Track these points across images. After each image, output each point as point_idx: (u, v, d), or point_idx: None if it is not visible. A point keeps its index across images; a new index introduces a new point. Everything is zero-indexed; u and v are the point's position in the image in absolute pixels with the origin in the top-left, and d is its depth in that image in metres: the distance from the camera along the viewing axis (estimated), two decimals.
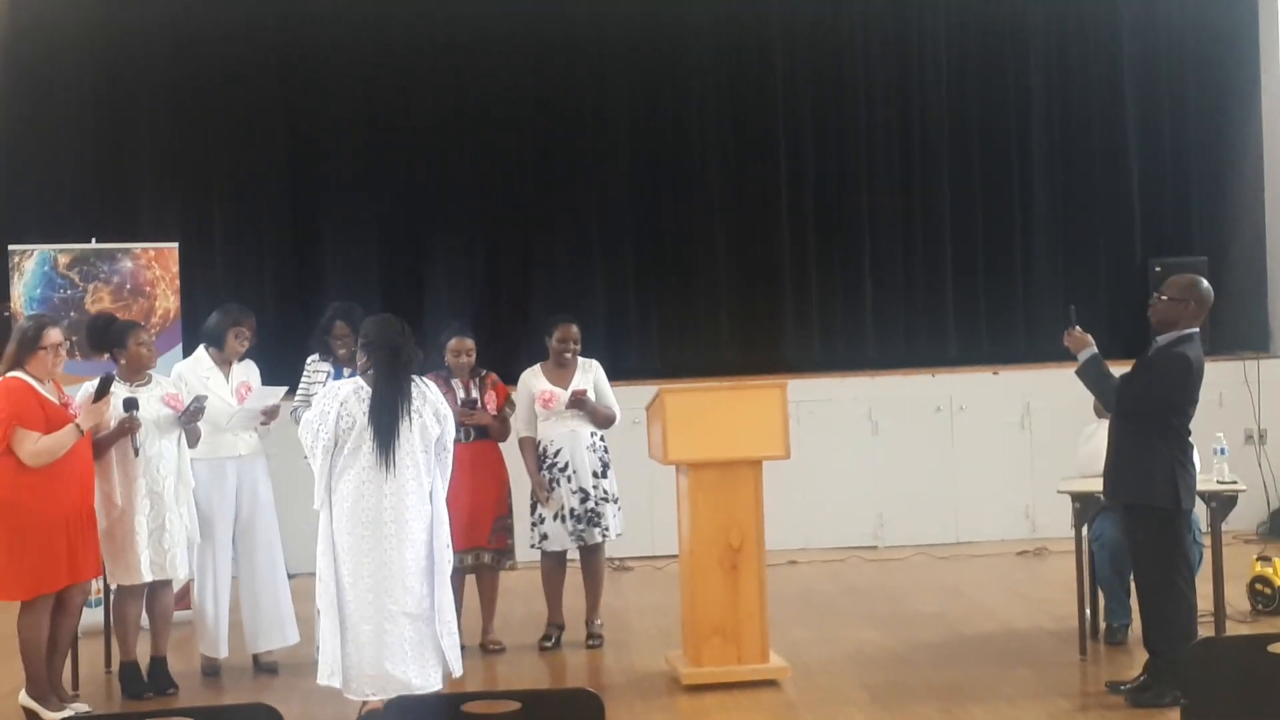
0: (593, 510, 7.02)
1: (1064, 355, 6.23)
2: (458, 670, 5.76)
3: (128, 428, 6.28)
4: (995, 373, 9.92)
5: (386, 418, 5.58)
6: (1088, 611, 6.73)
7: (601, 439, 7.15)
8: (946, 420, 9.76)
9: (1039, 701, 5.92)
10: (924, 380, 9.85)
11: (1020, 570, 8.81)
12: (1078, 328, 6.05)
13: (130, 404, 6.30)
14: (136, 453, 6.32)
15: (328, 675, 5.62)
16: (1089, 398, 6.37)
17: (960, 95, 10.31)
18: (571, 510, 7.03)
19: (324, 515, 5.66)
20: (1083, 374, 6.02)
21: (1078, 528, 6.61)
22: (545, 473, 7.07)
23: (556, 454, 7.07)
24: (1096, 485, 6.26)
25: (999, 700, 5.94)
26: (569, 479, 7.03)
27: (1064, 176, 10.38)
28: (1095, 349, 6.01)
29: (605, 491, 7.06)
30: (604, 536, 7.06)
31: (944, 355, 10.16)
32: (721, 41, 10.19)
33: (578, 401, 7.03)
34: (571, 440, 7.06)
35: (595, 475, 7.06)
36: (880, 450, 9.67)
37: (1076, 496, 6.57)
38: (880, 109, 10.27)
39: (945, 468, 9.67)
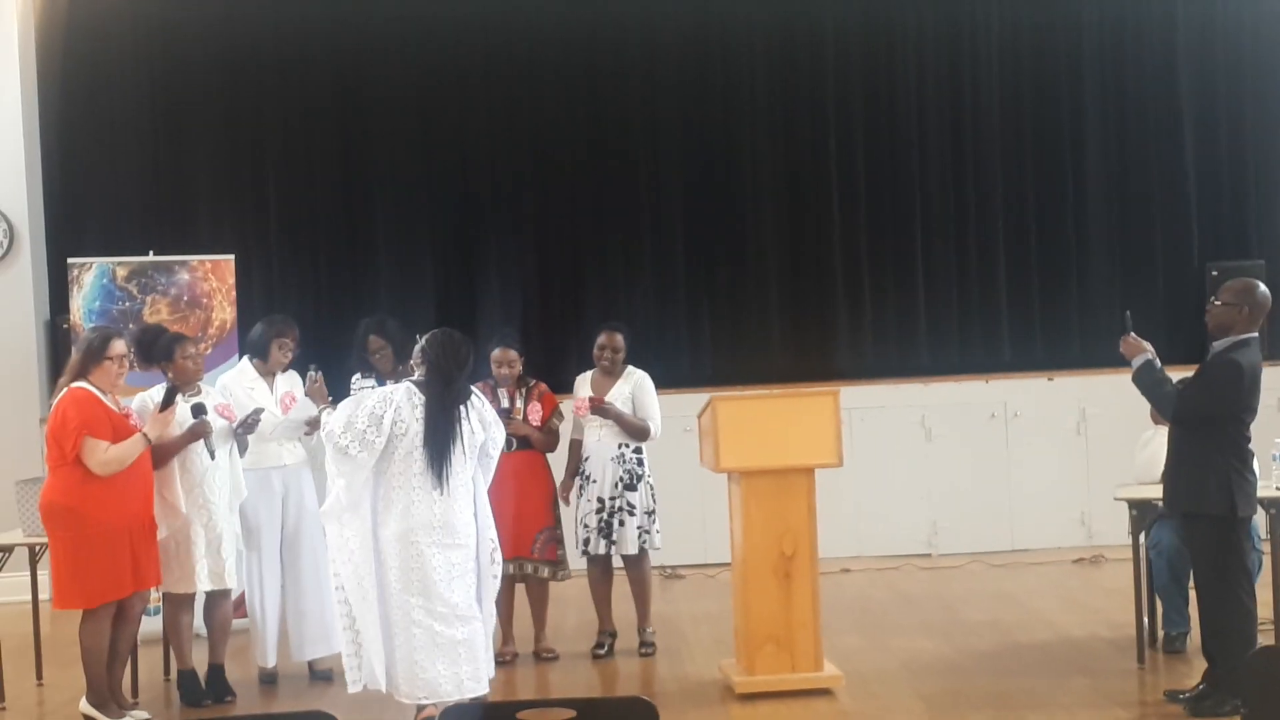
0: (606, 522, 7.02)
1: (1120, 361, 6.16)
2: (492, 672, 5.82)
3: (200, 432, 6.35)
4: (1050, 379, 9.84)
5: (439, 443, 5.61)
6: (1145, 620, 6.67)
7: (635, 451, 7.10)
8: (1001, 427, 9.69)
9: (1096, 710, 5.86)
10: (978, 386, 9.79)
11: (1076, 578, 8.73)
12: (1133, 334, 6.00)
13: (199, 409, 6.38)
14: (213, 455, 6.40)
15: (354, 681, 5.69)
16: (1146, 404, 6.31)
17: (1014, 97, 10.24)
18: (585, 520, 7.05)
19: (368, 521, 5.65)
20: (1137, 380, 5.96)
21: (1135, 535, 6.55)
22: (577, 478, 7.11)
23: (586, 461, 7.11)
24: (1154, 492, 6.21)
25: (1056, 709, 5.89)
26: (589, 488, 7.06)
27: (1119, 180, 10.28)
28: (1150, 355, 5.94)
29: (629, 504, 7.01)
30: (609, 550, 7.03)
31: (998, 361, 10.08)
32: (773, 48, 10.18)
33: (598, 409, 7.02)
34: (597, 449, 7.07)
35: (618, 486, 7.02)
36: (934, 457, 9.62)
37: (1134, 504, 6.51)
38: (933, 113, 10.22)
39: (1000, 475, 9.61)
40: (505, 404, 6.99)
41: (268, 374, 6.94)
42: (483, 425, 5.77)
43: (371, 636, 5.64)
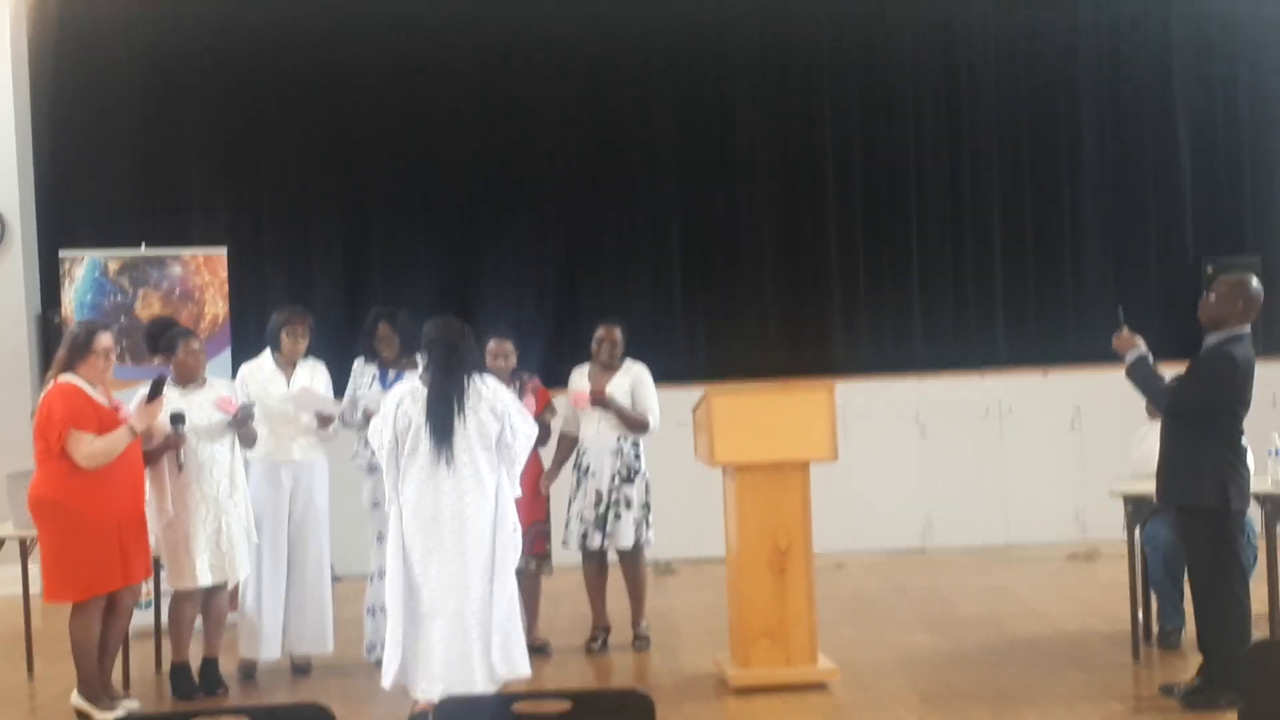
0: (603, 515, 6.99)
1: (1116, 356, 6.15)
2: (524, 670, 5.75)
3: (171, 444, 6.33)
4: (1045, 374, 9.83)
5: (441, 415, 5.62)
6: (1140, 614, 6.65)
7: (634, 444, 7.10)
8: (995, 422, 9.68)
9: (1092, 705, 5.85)
10: (972, 382, 9.79)
11: (1070, 573, 8.72)
12: (1126, 328, 5.99)
13: (177, 419, 6.32)
14: (181, 468, 6.36)
15: (393, 676, 5.67)
16: (1141, 399, 6.30)
17: (1010, 93, 10.23)
18: (581, 513, 7.02)
19: (393, 514, 5.73)
20: (1131, 375, 5.95)
21: (1130, 530, 6.54)
22: (574, 470, 7.08)
23: (583, 454, 7.08)
24: (1149, 487, 6.18)
25: (1051, 703, 5.87)
26: (587, 481, 7.03)
27: (1116, 175, 10.27)
28: (1143, 350, 5.94)
29: (626, 498, 7.00)
30: (604, 543, 7.01)
31: (993, 356, 10.08)
32: (769, 43, 10.15)
33: (599, 401, 7.00)
34: (596, 442, 7.05)
35: (615, 480, 7.01)
36: (928, 452, 9.62)
37: (1129, 499, 6.50)
38: (929, 108, 10.21)
39: (994, 470, 9.61)
40: None
41: (286, 364, 6.92)
42: (495, 416, 5.69)
43: (392, 628, 5.68)
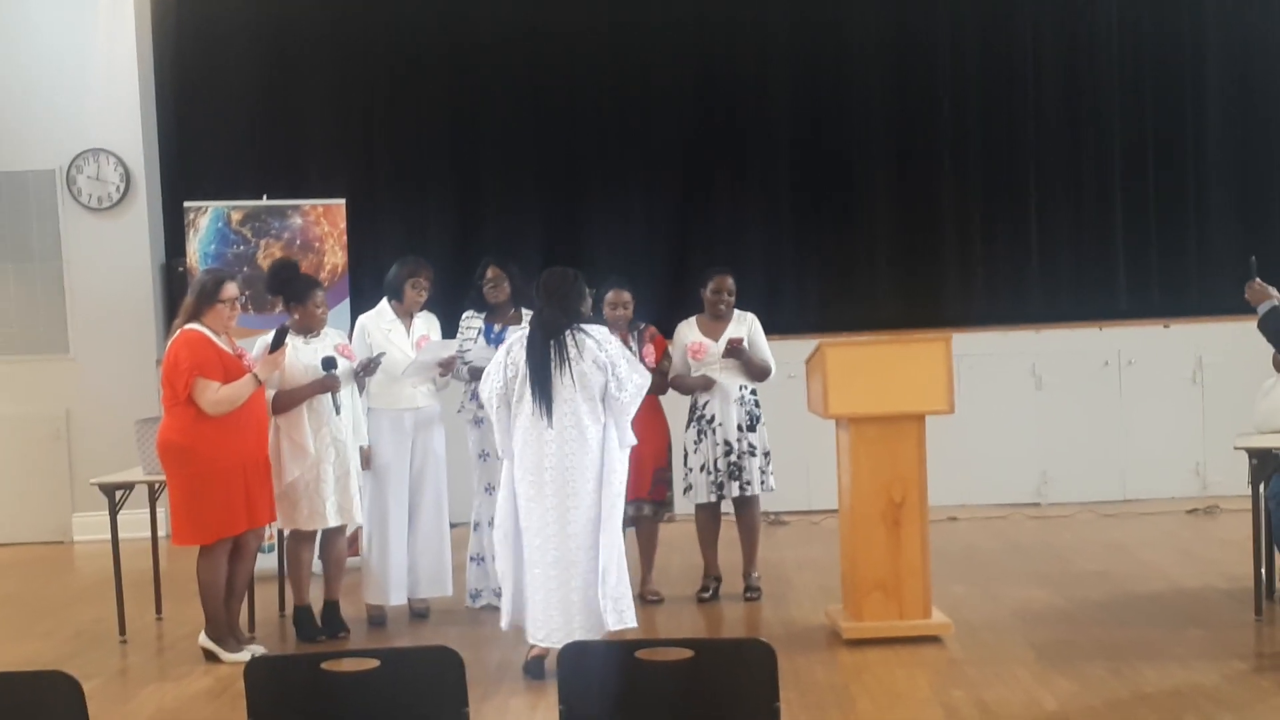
0: (735, 464, 7.01)
1: (1241, 308, 6.02)
2: (630, 622, 5.78)
3: (330, 386, 6.44)
4: (1166, 325, 9.62)
5: (538, 370, 5.67)
6: (1263, 571, 6.52)
7: (752, 392, 7.12)
8: (1114, 375, 9.51)
9: (1213, 663, 5.74)
10: (1091, 334, 9.61)
11: (1190, 529, 8.56)
12: (1258, 280, 5.85)
13: (329, 363, 6.44)
14: (338, 411, 6.47)
15: (508, 619, 5.81)
16: (1267, 351, 6.16)
17: (1133, 34, 9.96)
18: (714, 463, 7.03)
19: (506, 463, 5.81)
20: (1263, 327, 5.82)
21: (1255, 485, 6.39)
22: (694, 425, 7.10)
23: (704, 406, 7.08)
24: (1275, 441, 6.05)
25: (1170, 661, 5.78)
26: (714, 431, 7.03)
27: (1242, 120, 9.96)
28: (1277, 301, 5.79)
29: (751, 445, 7.02)
30: (743, 491, 7.02)
31: (1113, 307, 9.87)
32: None
33: (734, 350, 6.99)
34: (720, 392, 7.05)
35: (741, 429, 7.03)
36: (1044, 406, 9.49)
37: (1254, 453, 6.34)
38: (1049, 51, 9.97)
39: (1112, 423, 9.45)
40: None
41: (404, 315, 7.00)
42: (599, 367, 5.70)
43: (503, 572, 5.80)
